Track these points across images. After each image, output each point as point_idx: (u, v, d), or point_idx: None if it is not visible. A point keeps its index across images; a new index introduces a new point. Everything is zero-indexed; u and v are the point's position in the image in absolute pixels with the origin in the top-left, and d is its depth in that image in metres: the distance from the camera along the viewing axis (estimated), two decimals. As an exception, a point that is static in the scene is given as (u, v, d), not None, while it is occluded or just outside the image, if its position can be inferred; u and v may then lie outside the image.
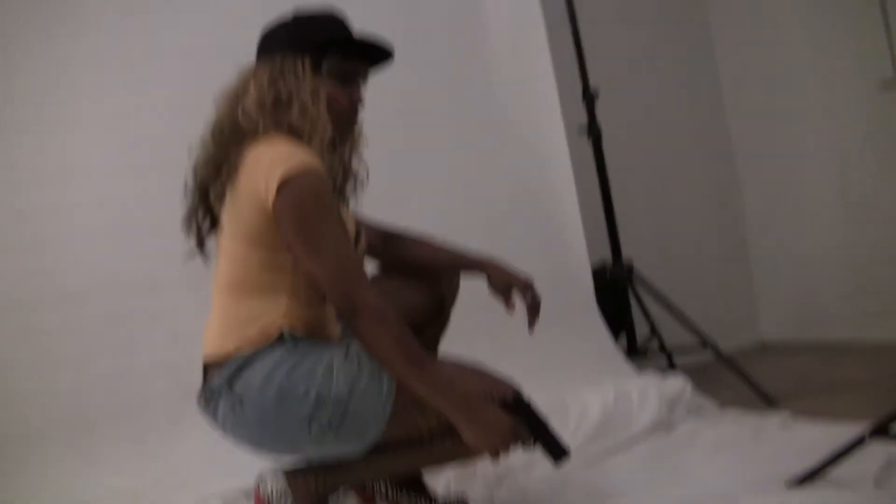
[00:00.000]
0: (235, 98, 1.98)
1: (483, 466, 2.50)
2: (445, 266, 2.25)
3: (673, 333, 3.49)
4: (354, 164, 2.10)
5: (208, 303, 2.03)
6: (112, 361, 2.62)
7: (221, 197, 1.96)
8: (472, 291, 2.35)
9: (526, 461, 2.51)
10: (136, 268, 2.68)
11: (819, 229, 4.01)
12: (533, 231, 3.37)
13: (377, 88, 2.17)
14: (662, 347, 3.51)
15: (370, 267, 2.16)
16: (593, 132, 3.48)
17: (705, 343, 3.22)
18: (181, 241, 2.07)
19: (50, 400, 2.54)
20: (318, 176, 1.86)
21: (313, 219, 1.86)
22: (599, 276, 3.47)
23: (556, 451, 2.02)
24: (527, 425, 1.98)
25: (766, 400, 2.99)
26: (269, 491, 1.99)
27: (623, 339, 3.50)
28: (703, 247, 4.18)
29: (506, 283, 2.22)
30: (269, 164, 1.85)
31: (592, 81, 3.47)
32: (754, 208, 4.28)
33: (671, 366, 3.56)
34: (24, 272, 2.57)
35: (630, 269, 3.43)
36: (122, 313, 2.65)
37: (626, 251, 3.50)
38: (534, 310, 2.22)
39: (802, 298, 4.11)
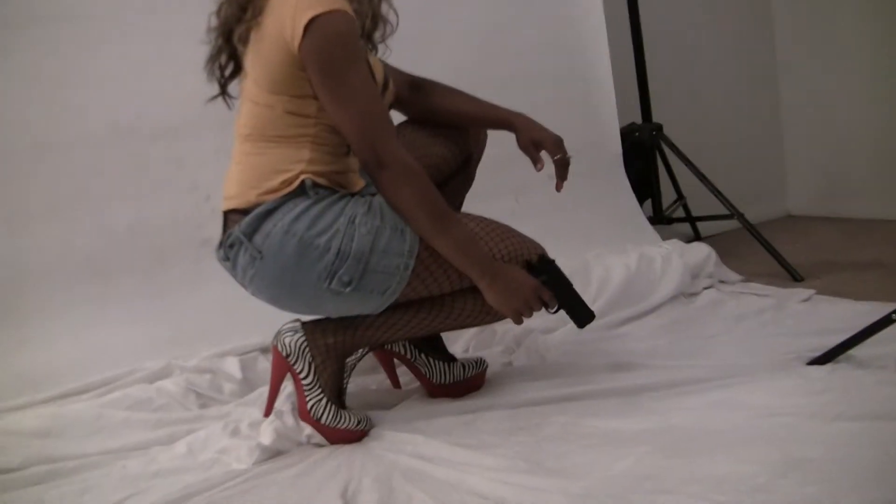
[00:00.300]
0: (262, -66, 1.88)
1: (502, 329, 2.49)
2: (474, 119, 2.17)
3: (698, 204, 3.44)
4: (384, 9, 2.00)
5: (230, 149, 1.98)
6: (131, 208, 2.57)
7: (245, 39, 1.89)
8: (497, 147, 2.28)
9: (546, 325, 2.50)
10: (157, 111, 2.60)
11: (852, 105, 3.89)
12: (562, 88, 3.26)
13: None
14: (688, 215, 3.46)
15: (395, 116, 2.09)
16: (629, -13, 3.36)
17: (732, 212, 3.15)
18: (204, 85, 2.00)
19: (66, 246, 2.49)
20: (348, 18, 1.79)
21: (341, 62, 1.79)
22: (627, 136, 3.39)
23: (581, 314, 2.00)
24: (551, 287, 1.96)
25: (792, 274, 2.94)
26: (288, 347, 1.97)
27: (648, 206, 3.44)
28: (735, 117, 4.07)
29: (535, 140, 2.14)
30: (295, 4, 1.78)
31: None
32: (788, 80, 4.15)
33: (696, 235, 3.51)
34: (45, 113, 2.48)
35: (659, 128, 3.35)
36: (143, 159, 2.58)
37: (657, 117, 3.41)
38: (562, 168, 2.14)
39: (832, 173, 4.03)
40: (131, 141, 2.57)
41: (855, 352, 2.04)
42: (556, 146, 2.13)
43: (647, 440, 1.75)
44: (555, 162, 2.13)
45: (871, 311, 2.35)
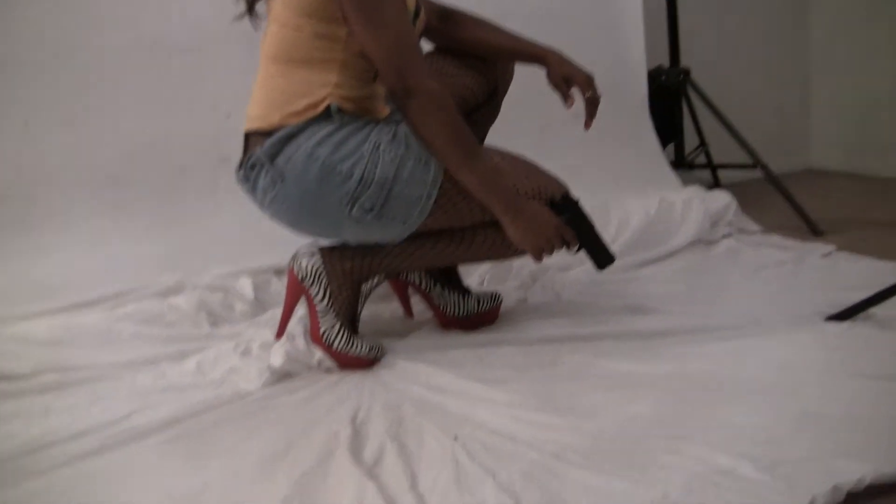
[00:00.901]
0: None
1: (518, 264, 2.47)
2: (506, 52, 2.13)
3: (719, 151, 3.40)
4: (416, -67, 1.96)
5: (254, 68, 1.94)
6: (150, 123, 2.54)
7: (276, -41, 1.85)
8: (521, 84, 2.24)
9: (562, 263, 2.48)
10: (180, 27, 2.56)
11: (886, 58, 3.83)
12: (591, 27, 3.20)
13: None
14: (710, 162, 3.42)
15: (423, 45, 2.05)
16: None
17: (756, 162, 3.11)
18: (230, 2, 1.97)
19: (84, 157, 2.47)
20: (381, -60, 1.75)
21: (374, -13, 1.75)
22: (653, 78, 3.34)
23: (602, 256, 1.98)
24: (574, 227, 1.93)
25: (812, 228, 2.91)
26: (304, 270, 1.96)
27: (671, 151, 3.40)
28: (763, 65, 4.01)
29: (566, 76, 2.10)
30: (331, -75, 1.73)
31: None
32: (820, 30, 4.08)
33: (716, 182, 3.48)
34: (67, 24, 2.44)
35: (686, 73, 3.30)
36: (165, 74, 2.55)
37: (685, 63, 3.36)
38: (592, 106, 2.10)
39: (858, 129, 3.98)
40: (154, 55, 2.54)
41: (875, 310, 2.02)
42: (588, 83, 2.09)
43: (661, 385, 1.74)
44: (585, 100, 2.09)
45: (894, 270, 2.34)
